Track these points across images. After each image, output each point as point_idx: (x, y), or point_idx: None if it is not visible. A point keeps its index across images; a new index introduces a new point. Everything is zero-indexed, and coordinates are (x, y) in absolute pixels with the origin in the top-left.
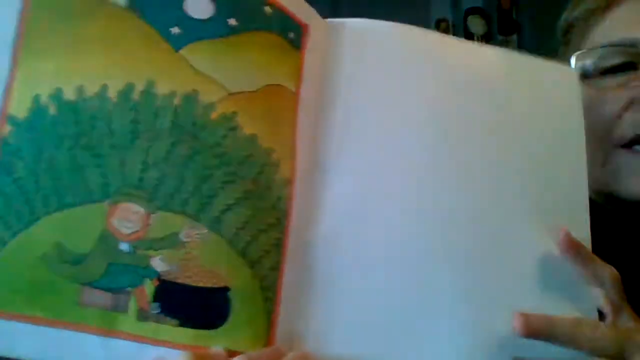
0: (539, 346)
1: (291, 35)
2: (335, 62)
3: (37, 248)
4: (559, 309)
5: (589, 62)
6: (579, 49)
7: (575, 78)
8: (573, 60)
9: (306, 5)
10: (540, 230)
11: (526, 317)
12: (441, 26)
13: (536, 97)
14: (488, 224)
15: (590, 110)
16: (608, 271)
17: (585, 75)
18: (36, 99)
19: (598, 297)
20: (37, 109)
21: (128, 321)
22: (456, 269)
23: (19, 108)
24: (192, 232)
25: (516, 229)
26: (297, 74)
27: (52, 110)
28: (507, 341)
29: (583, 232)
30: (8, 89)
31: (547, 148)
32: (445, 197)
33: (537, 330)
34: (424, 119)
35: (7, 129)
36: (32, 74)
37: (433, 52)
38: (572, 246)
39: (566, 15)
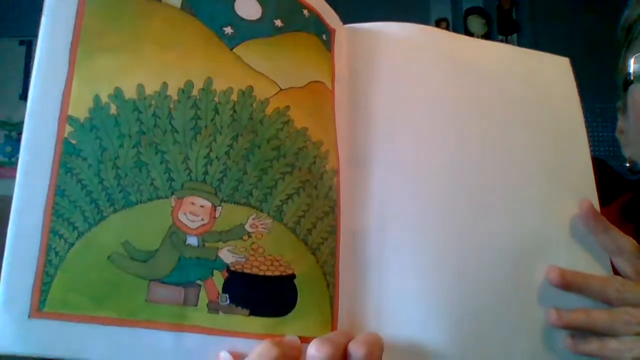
0: (573, 300)
1: (324, 37)
2: (354, 66)
3: (104, 248)
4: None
5: None
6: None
7: (567, 64)
8: (632, 62)
9: (332, 11)
10: (554, 205)
11: (561, 270)
12: (441, 26)
13: (536, 85)
14: (512, 199)
15: None
16: (628, 241)
17: None
18: (96, 99)
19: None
20: (98, 109)
21: (199, 314)
22: (490, 234)
23: (79, 108)
24: (257, 222)
25: (534, 204)
26: (331, 73)
27: (113, 109)
28: (544, 294)
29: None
30: (67, 90)
31: (552, 131)
32: (472, 177)
33: (571, 282)
34: (436, 115)
35: (68, 129)
36: (90, 74)
37: (444, 49)
38: (594, 217)
39: (628, 14)
